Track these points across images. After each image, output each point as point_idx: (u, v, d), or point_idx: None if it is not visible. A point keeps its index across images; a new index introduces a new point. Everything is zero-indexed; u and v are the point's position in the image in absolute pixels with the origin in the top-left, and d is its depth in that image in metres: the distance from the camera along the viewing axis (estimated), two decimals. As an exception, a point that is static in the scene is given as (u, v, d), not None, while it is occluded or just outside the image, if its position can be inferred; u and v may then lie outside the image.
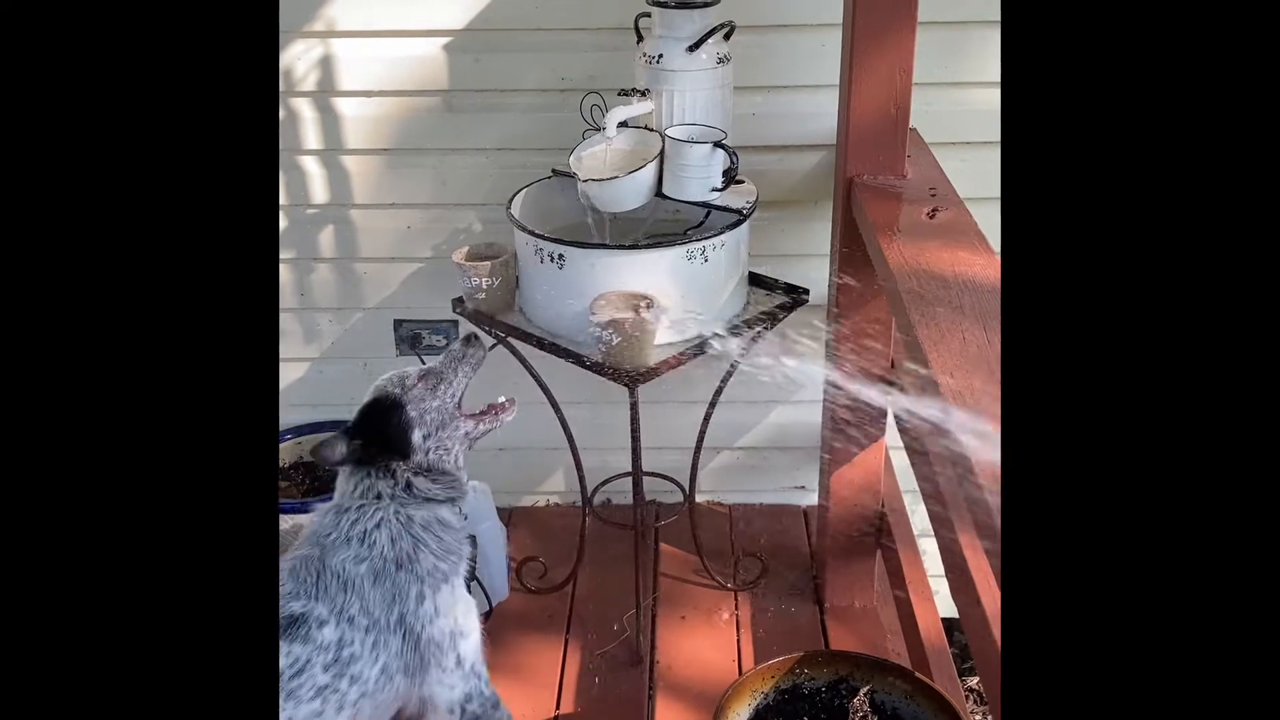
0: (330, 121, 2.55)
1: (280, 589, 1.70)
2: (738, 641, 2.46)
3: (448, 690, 1.79)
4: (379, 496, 1.79)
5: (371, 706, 1.73)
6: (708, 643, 2.45)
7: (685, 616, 2.53)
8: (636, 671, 2.36)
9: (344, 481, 1.83)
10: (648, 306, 2.06)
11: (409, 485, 1.81)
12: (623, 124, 2.22)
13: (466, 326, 2.35)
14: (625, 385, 2.09)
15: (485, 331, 2.31)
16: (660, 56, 2.18)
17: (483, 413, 1.92)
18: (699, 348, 2.17)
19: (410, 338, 2.78)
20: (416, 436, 1.81)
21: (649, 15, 2.23)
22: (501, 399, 1.95)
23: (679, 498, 2.72)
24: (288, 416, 2.83)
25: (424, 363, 2.45)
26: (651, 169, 2.17)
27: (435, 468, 1.83)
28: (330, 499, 1.87)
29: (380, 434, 1.79)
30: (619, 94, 2.24)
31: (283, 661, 1.62)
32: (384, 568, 1.75)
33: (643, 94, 2.22)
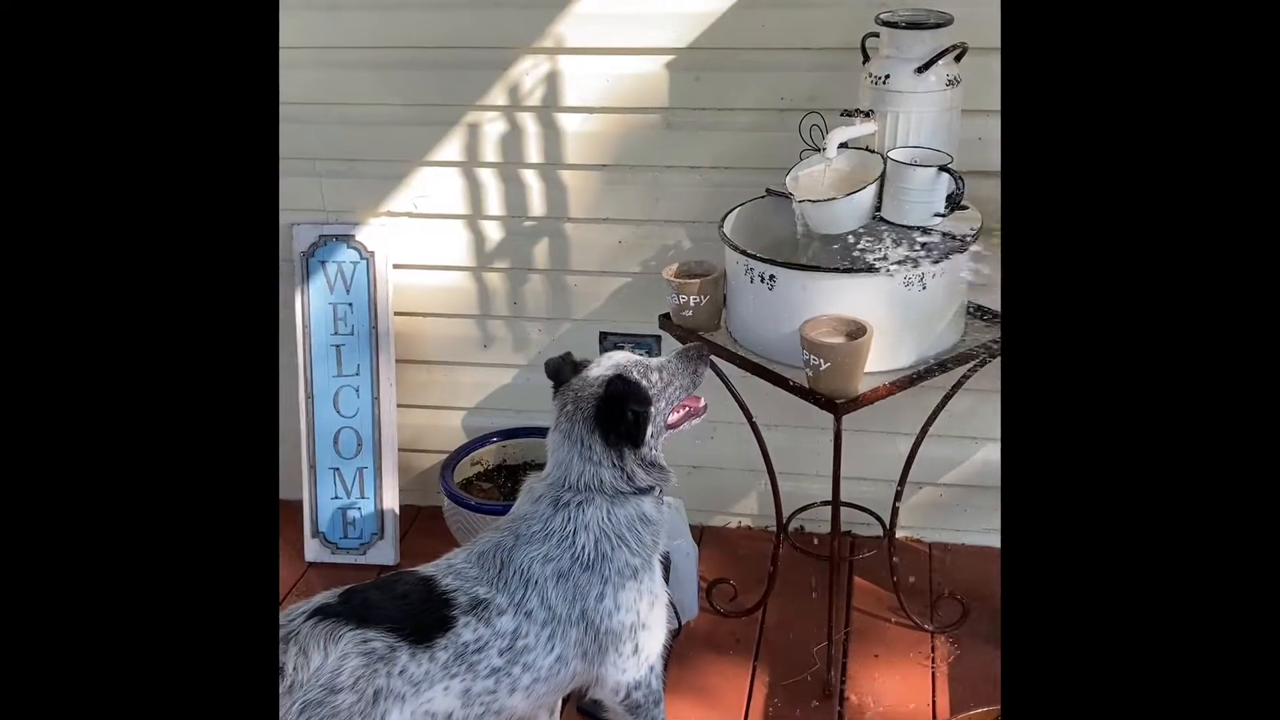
0: (552, 137, 2.61)
1: (467, 571, 1.81)
2: (933, 686, 2.35)
3: (619, 672, 1.86)
4: (600, 485, 1.84)
5: (547, 688, 1.83)
6: (901, 684, 2.35)
7: (879, 655, 2.44)
8: (826, 707, 2.30)
9: (565, 465, 1.87)
10: (860, 332, 2.00)
11: (631, 475, 1.86)
12: (843, 145, 2.18)
13: (670, 338, 2.36)
14: (831, 412, 2.04)
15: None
16: (887, 77, 2.12)
17: (682, 413, 1.96)
18: (911, 378, 2.09)
19: (614, 350, 2.81)
20: (649, 431, 1.87)
21: (877, 35, 2.18)
22: (699, 398, 1.99)
23: (876, 531, 2.64)
24: (493, 420, 2.91)
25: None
26: (871, 191, 2.11)
27: (654, 462, 1.90)
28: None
29: (621, 418, 1.83)
30: (841, 114, 2.20)
31: (468, 636, 1.74)
32: (570, 569, 1.81)
33: (866, 115, 2.17)
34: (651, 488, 1.90)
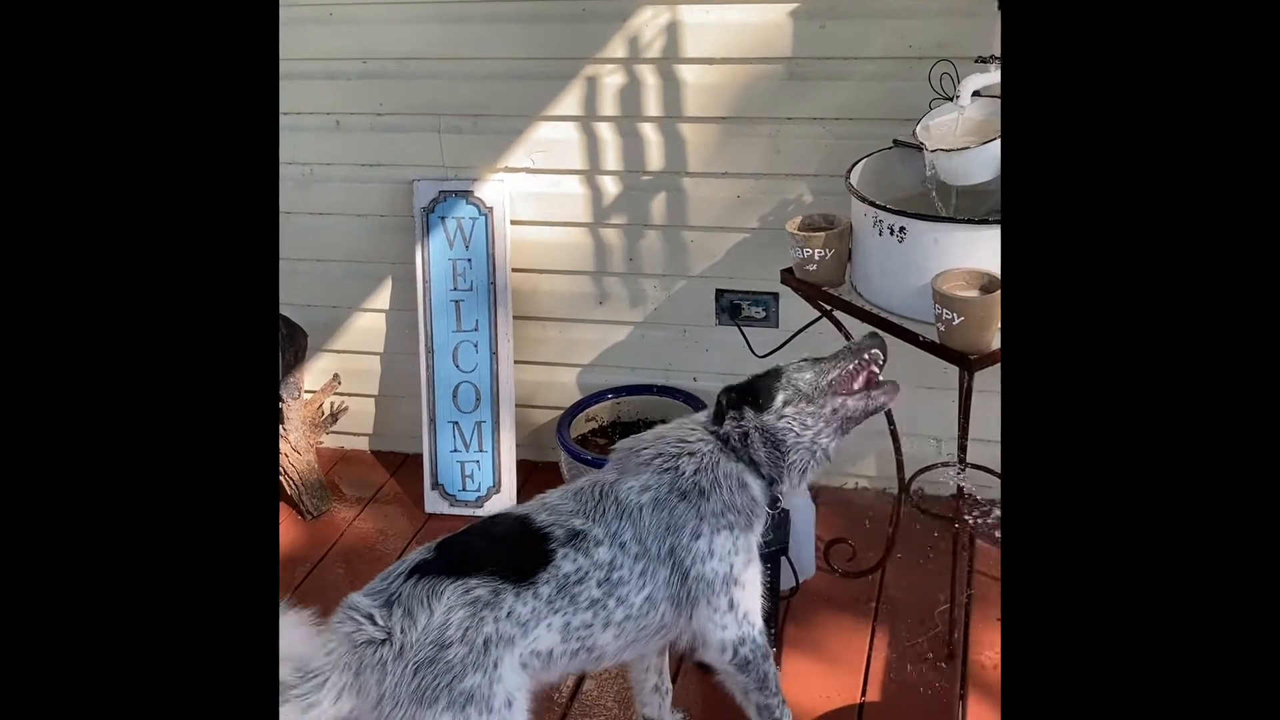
0: (671, 89, 2.58)
1: (562, 507, 1.81)
2: (1060, 652, 2.29)
3: (720, 630, 1.83)
4: (714, 434, 1.86)
5: (636, 629, 1.80)
6: (1027, 649, 2.30)
7: (1001, 618, 2.38)
8: (948, 669, 2.26)
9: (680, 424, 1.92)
10: (994, 285, 1.93)
11: (746, 436, 1.84)
12: (976, 93, 2.10)
13: (787, 295, 2.32)
14: (964, 368, 1.98)
15: (812, 304, 2.27)
16: (1026, 20, 2.03)
17: (860, 389, 1.90)
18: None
19: (730, 308, 2.78)
20: (780, 398, 1.85)
21: (1014, -24, 2.09)
22: (883, 379, 1.93)
23: (999, 494, 2.56)
24: (608, 377, 2.92)
25: (743, 333, 2.46)
26: (1007, 140, 2.03)
27: (779, 440, 1.85)
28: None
29: (750, 385, 1.87)
30: (975, 60, 2.12)
31: (568, 567, 1.73)
32: (666, 497, 1.80)
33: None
34: (766, 477, 1.86)
